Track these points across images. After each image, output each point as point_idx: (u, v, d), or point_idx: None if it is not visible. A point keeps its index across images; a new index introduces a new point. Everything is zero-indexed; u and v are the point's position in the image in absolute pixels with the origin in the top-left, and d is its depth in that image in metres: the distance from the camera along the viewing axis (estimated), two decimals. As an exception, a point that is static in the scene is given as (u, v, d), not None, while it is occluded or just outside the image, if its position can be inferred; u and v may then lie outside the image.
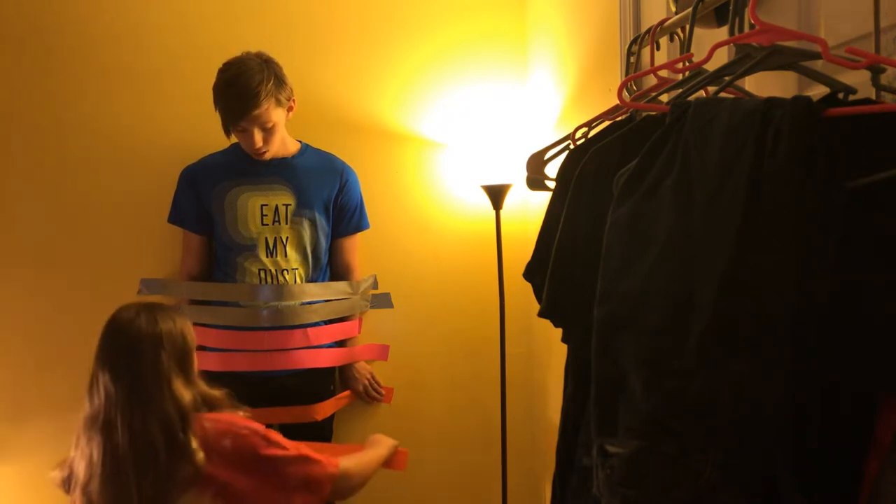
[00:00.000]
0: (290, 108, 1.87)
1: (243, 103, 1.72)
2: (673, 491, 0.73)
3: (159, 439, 1.24)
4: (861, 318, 0.68)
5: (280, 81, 1.80)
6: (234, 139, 1.91)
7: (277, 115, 1.81)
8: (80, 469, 1.28)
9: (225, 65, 1.78)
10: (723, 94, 0.89)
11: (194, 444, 1.26)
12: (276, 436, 1.38)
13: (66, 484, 1.34)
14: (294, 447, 1.38)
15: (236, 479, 1.29)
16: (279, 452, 1.34)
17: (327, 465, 1.40)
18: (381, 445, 1.61)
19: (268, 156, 1.88)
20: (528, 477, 2.28)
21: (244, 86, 1.72)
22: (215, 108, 1.78)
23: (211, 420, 1.31)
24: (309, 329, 1.96)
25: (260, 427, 1.36)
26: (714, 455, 0.71)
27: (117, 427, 1.24)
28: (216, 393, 1.37)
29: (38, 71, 2.04)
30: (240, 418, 1.37)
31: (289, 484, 1.35)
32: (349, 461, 1.47)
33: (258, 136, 1.79)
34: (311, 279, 1.97)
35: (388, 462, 1.62)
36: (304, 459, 1.37)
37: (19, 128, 2.04)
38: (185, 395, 1.29)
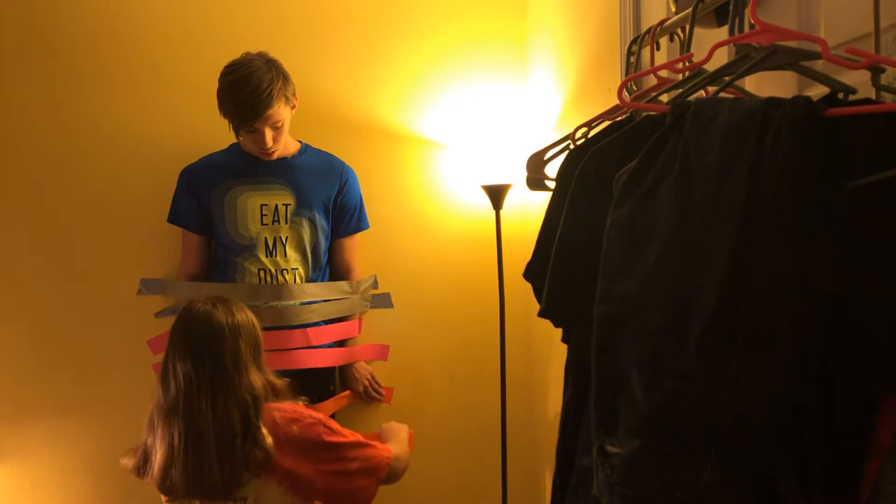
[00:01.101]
0: (293, 107, 1.88)
1: (256, 104, 1.72)
2: (673, 491, 0.73)
3: (238, 424, 1.31)
4: (861, 318, 0.68)
5: (286, 80, 1.81)
6: (233, 139, 1.91)
7: (286, 114, 1.82)
8: (159, 454, 1.33)
9: (228, 68, 1.77)
10: (723, 94, 0.89)
11: (264, 430, 1.33)
12: (335, 424, 1.45)
13: (140, 470, 1.39)
14: (352, 434, 1.46)
15: (301, 467, 1.37)
16: (341, 439, 1.43)
17: (382, 450, 1.49)
18: (399, 432, 1.68)
19: (276, 156, 1.88)
20: (528, 477, 2.28)
21: (255, 87, 1.71)
22: (221, 110, 1.77)
23: (278, 409, 1.39)
24: (309, 329, 1.96)
25: (322, 416, 1.44)
26: (714, 455, 0.71)
27: (200, 412, 1.31)
28: (280, 382, 1.44)
29: (39, 71, 2.04)
30: (303, 407, 1.44)
31: (350, 469, 1.42)
32: (395, 447, 1.56)
33: (269, 136, 1.79)
34: (310, 279, 1.97)
35: None
36: (363, 445, 1.46)
37: (19, 127, 2.04)
38: (258, 381, 1.37)
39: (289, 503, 1.38)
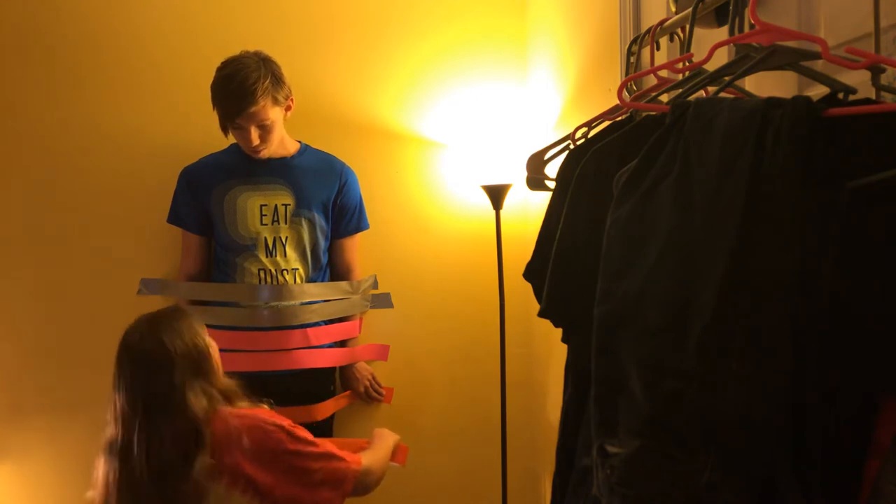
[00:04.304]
0: (288, 108, 1.87)
1: (239, 100, 1.73)
2: (673, 491, 0.73)
3: (174, 456, 1.25)
4: (861, 318, 0.68)
5: (277, 79, 1.80)
6: (233, 139, 1.91)
7: (275, 114, 1.81)
8: (98, 492, 1.30)
9: (222, 63, 1.79)
10: (723, 94, 0.89)
11: (207, 451, 1.26)
12: (302, 431, 1.39)
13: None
14: (320, 443, 1.39)
15: (261, 475, 1.30)
16: (304, 448, 1.36)
17: (351, 462, 1.42)
18: (386, 440, 1.63)
19: (265, 155, 1.87)
20: (528, 477, 2.28)
21: (240, 83, 1.72)
22: (213, 105, 1.79)
23: (236, 416, 1.32)
24: (309, 329, 1.96)
25: (286, 422, 1.37)
26: (714, 455, 0.71)
27: (133, 449, 1.26)
28: (233, 386, 1.38)
29: (38, 70, 2.04)
30: (266, 412, 1.38)
31: (313, 479, 1.35)
32: (368, 458, 1.49)
33: (255, 134, 1.79)
34: (310, 279, 1.97)
35: (391, 456, 1.63)
36: (329, 456, 1.39)
37: (19, 127, 2.04)
38: (201, 403, 1.29)
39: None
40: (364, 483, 1.44)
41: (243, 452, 1.29)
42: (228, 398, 1.36)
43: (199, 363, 1.33)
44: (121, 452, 1.27)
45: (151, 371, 1.29)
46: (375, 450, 1.56)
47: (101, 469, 1.31)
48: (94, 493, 1.34)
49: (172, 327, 1.33)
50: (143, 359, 1.30)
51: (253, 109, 1.74)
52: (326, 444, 1.41)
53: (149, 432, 1.26)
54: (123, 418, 1.29)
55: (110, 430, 1.30)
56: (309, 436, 1.39)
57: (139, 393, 1.29)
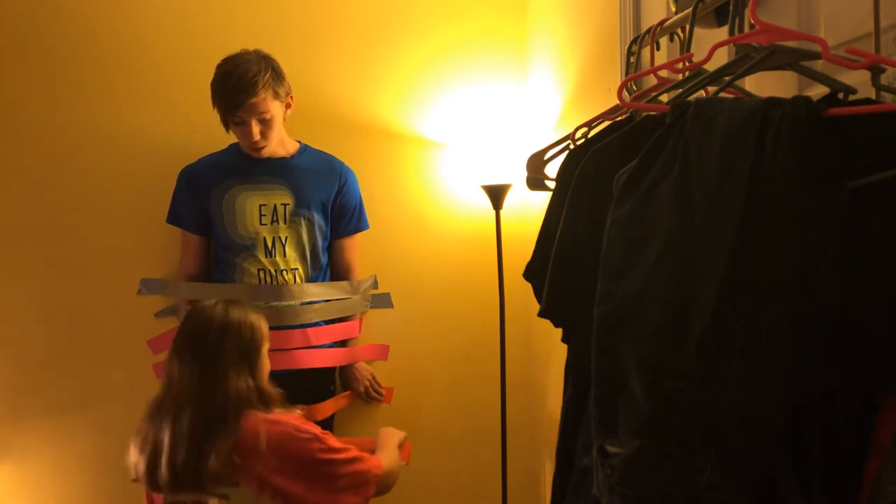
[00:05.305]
0: (287, 105, 1.88)
1: (241, 92, 1.74)
2: (673, 491, 0.73)
3: (216, 419, 1.30)
4: (861, 318, 0.68)
5: (277, 75, 1.81)
6: (232, 139, 1.91)
7: (275, 108, 1.82)
8: (144, 455, 1.33)
9: (222, 60, 1.80)
10: (723, 94, 0.89)
11: (230, 438, 1.30)
12: (331, 439, 1.41)
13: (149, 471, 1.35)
14: (345, 448, 1.41)
15: (291, 485, 1.33)
16: (334, 456, 1.38)
17: (373, 467, 1.44)
18: (393, 438, 1.64)
19: (265, 153, 1.88)
20: (528, 477, 2.28)
21: (241, 75, 1.74)
22: (213, 102, 1.79)
23: (270, 422, 1.35)
24: (309, 329, 1.96)
25: (317, 429, 1.39)
26: (714, 455, 0.71)
27: (180, 408, 1.31)
28: (274, 392, 1.42)
29: (38, 70, 2.04)
30: (298, 420, 1.40)
31: (339, 485, 1.38)
32: (386, 459, 1.51)
33: (256, 129, 1.79)
34: (310, 279, 1.97)
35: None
36: (355, 461, 1.41)
37: (19, 127, 2.04)
38: (239, 385, 1.35)
39: None
40: (385, 485, 1.47)
41: (269, 462, 1.31)
42: (265, 400, 1.39)
43: (249, 350, 1.39)
44: (171, 408, 1.32)
45: (207, 335, 1.36)
46: (389, 450, 1.58)
47: (143, 431, 1.35)
48: (137, 456, 1.36)
49: (243, 308, 1.43)
50: (205, 322, 1.37)
51: (254, 101, 1.75)
52: (352, 449, 1.43)
53: (193, 393, 1.32)
54: (170, 380, 1.35)
55: (160, 391, 1.36)
56: (337, 442, 1.41)
57: (189, 355, 1.35)
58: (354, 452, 1.42)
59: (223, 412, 1.31)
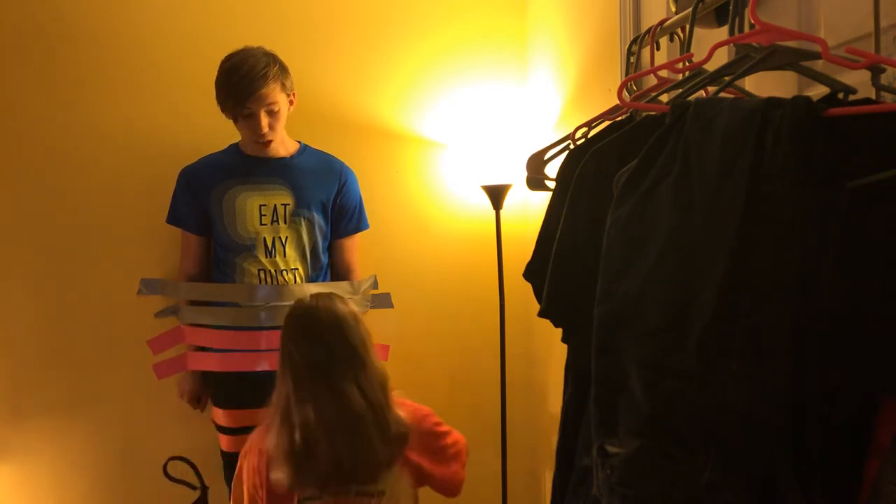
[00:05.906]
0: (291, 101, 1.88)
1: (251, 82, 1.75)
2: (673, 491, 0.73)
3: (383, 399, 1.37)
4: (861, 317, 0.68)
5: (283, 68, 1.83)
6: (232, 139, 1.91)
7: (282, 101, 1.83)
8: (289, 440, 1.33)
9: (227, 56, 1.80)
10: (723, 94, 0.89)
11: (397, 411, 1.38)
12: (435, 414, 1.51)
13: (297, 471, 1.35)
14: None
15: (422, 459, 1.42)
16: (446, 429, 1.51)
17: (460, 435, 1.56)
18: None
19: (271, 149, 1.88)
20: (528, 477, 2.28)
21: (251, 67, 1.76)
22: (218, 99, 1.79)
23: (397, 403, 1.42)
24: (309, 329, 1.96)
25: (425, 407, 1.50)
26: (714, 455, 0.71)
27: (345, 392, 1.34)
28: (386, 371, 1.48)
29: (38, 70, 2.04)
30: (411, 401, 1.49)
31: (448, 455, 1.49)
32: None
33: (264, 121, 1.80)
34: (311, 279, 1.97)
35: None
36: (451, 431, 1.53)
37: (19, 127, 2.04)
38: (382, 365, 1.43)
39: (412, 496, 1.43)
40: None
41: (411, 441, 1.40)
42: (383, 383, 1.44)
43: (366, 338, 1.44)
44: (326, 396, 1.33)
45: (346, 323, 1.39)
46: None
47: (273, 438, 1.34)
48: (280, 472, 1.34)
49: (346, 302, 1.46)
50: (337, 315, 1.40)
51: (264, 91, 1.76)
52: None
53: (356, 375, 1.35)
54: (319, 368, 1.35)
55: (300, 384, 1.35)
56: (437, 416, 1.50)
57: (337, 343, 1.38)
58: (448, 426, 1.52)
59: (384, 392, 1.38)
